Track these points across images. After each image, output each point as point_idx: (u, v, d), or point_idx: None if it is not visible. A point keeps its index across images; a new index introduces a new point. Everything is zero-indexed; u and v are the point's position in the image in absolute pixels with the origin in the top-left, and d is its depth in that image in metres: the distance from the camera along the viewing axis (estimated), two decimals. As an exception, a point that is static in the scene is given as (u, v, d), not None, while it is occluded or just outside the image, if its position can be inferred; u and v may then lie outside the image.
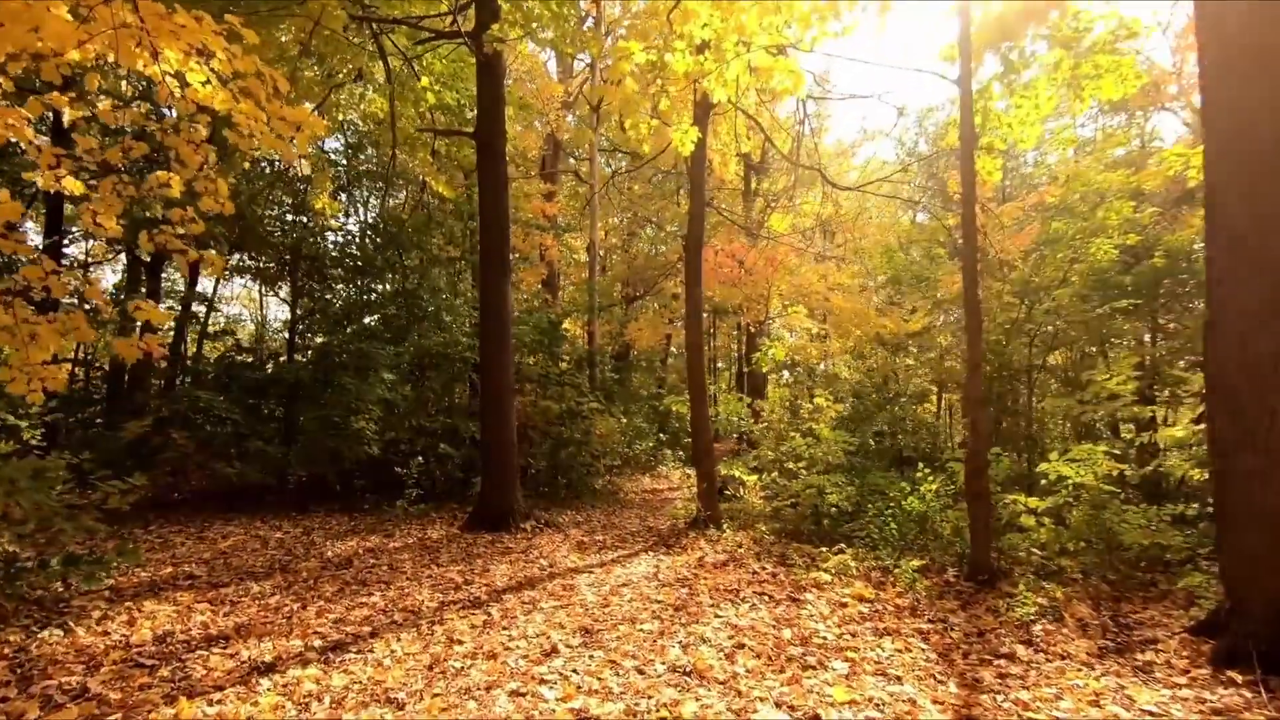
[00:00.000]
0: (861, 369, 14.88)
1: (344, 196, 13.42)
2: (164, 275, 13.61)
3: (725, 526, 8.13)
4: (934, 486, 6.61)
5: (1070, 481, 6.21)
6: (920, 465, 6.88)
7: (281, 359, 12.34)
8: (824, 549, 6.89)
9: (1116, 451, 6.12)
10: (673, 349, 26.87)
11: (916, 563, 5.77)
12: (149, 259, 13.52)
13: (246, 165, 8.50)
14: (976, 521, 5.71)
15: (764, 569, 6.23)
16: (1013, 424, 13.49)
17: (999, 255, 12.63)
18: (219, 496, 10.12)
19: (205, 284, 17.21)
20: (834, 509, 7.87)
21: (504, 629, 4.49)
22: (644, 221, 23.28)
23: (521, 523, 8.22)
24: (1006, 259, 12.38)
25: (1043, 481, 6.61)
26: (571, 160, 18.65)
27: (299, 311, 12.72)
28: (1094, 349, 10.76)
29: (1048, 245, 11.09)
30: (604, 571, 6.24)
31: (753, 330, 20.08)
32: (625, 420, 14.88)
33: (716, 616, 4.81)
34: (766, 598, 5.33)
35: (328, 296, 12.94)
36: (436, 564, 6.40)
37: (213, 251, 5.10)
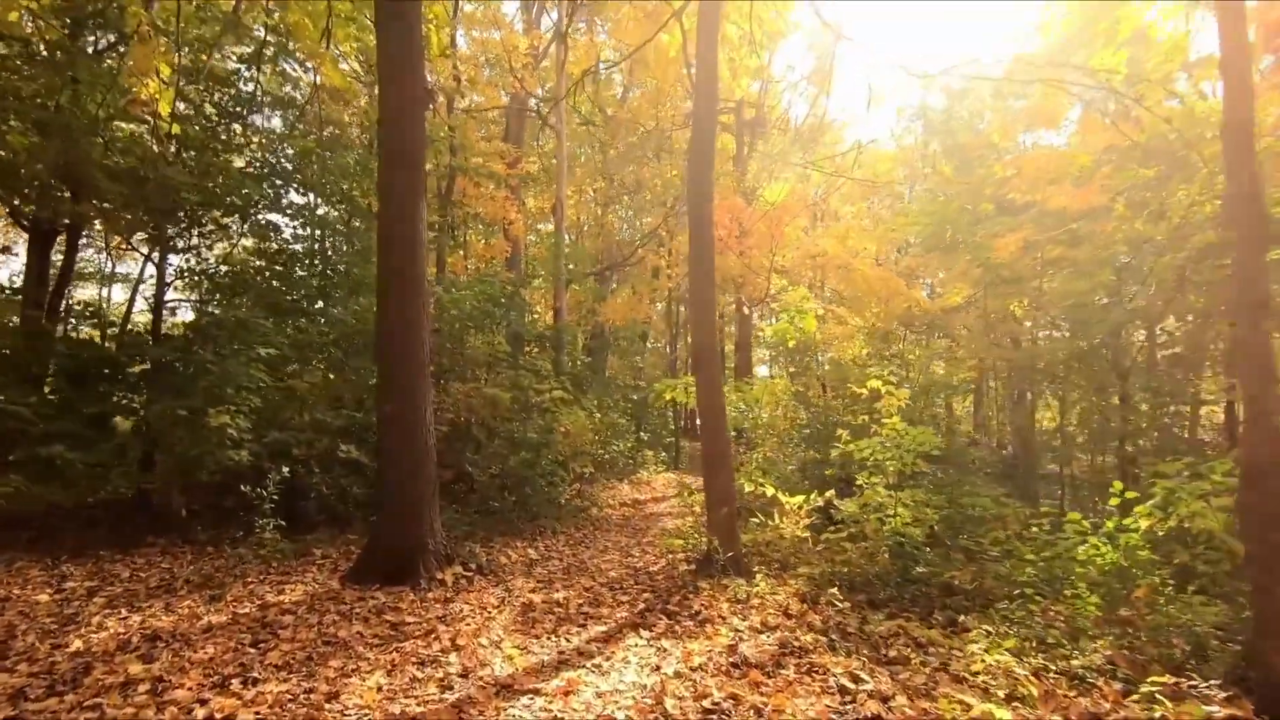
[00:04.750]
0: (885, 352, 12.24)
1: (238, 125, 10.26)
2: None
3: (757, 574, 5.29)
4: (1144, 522, 3.85)
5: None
6: (1120, 487, 4.15)
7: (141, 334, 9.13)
8: (934, 626, 4.12)
9: None
10: (649, 343, 24.10)
11: (1164, 678, 3.01)
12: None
13: (25, 22, 5.37)
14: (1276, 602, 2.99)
15: (858, 679, 3.40)
16: (1091, 418, 11.01)
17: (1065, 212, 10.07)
18: (32, 524, 6.98)
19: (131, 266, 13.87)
20: (916, 549, 5.12)
21: None
22: (620, 190, 20.47)
23: (438, 570, 5.27)
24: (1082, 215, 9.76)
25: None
26: (532, 102, 15.66)
27: (168, 274, 9.50)
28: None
29: (1150, 190, 8.51)
30: (559, 694, 3.35)
31: (747, 311, 17.46)
32: (599, 415, 11.99)
33: None
34: (904, 781, 2.52)
35: (208, 253, 9.80)
36: (252, 674, 3.44)
37: None
